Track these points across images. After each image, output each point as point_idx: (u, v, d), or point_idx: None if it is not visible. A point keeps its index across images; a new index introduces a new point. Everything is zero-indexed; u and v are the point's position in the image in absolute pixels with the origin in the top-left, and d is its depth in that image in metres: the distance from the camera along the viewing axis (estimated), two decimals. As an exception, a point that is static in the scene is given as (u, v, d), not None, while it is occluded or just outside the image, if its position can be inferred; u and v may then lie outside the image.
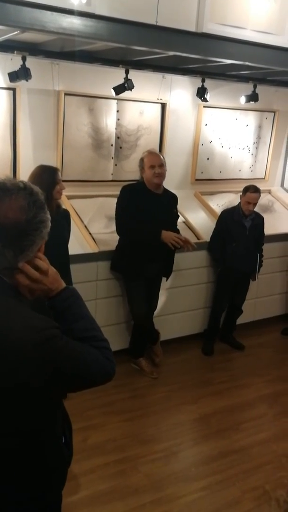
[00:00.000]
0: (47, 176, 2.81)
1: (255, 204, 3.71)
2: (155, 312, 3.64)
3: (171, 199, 3.38)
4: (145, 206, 3.18)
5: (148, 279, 3.38)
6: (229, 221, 3.75)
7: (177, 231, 3.36)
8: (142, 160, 3.24)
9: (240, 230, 3.74)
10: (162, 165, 3.20)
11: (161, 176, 3.21)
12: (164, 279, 3.53)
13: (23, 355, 1.02)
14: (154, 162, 3.17)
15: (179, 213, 4.04)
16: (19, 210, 1.06)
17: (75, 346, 1.12)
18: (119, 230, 3.28)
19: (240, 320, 4.15)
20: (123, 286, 3.52)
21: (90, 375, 1.15)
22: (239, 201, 3.79)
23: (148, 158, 3.20)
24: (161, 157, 3.26)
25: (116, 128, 3.88)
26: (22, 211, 1.07)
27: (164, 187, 3.35)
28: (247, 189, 3.69)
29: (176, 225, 3.48)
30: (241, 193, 3.77)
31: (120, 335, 3.62)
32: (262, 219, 3.89)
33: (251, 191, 3.66)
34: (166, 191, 3.35)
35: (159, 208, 3.22)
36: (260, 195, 3.71)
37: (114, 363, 1.18)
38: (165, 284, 3.68)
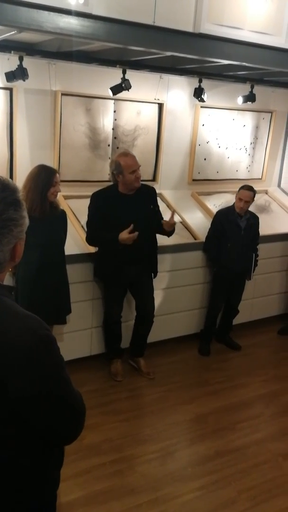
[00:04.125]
0: (43, 177, 2.82)
1: (247, 202, 3.69)
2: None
3: (146, 196, 3.23)
4: (119, 210, 3.11)
5: (130, 282, 3.33)
6: (224, 221, 3.76)
7: (162, 225, 3.24)
8: (119, 164, 3.07)
9: (235, 230, 3.74)
10: (139, 166, 3.11)
11: (140, 177, 3.14)
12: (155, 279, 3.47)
13: (17, 356, 1.01)
14: (135, 166, 3.06)
15: (177, 214, 4.05)
16: None
17: (65, 371, 1.12)
18: (87, 241, 3.25)
19: (237, 320, 4.16)
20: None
21: (73, 406, 1.14)
22: (234, 201, 3.80)
23: (127, 163, 3.06)
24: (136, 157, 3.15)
25: (113, 128, 3.88)
26: None
27: None
28: (241, 188, 3.71)
29: (159, 219, 3.27)
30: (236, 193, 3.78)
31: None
32: (257, 219, 3.90)
33: (245, 188, 3.70)
34: (138, 188, 3.18)
35: (134, 209, 3.12)
36: (254, 195, 3.71)
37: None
38: (161, 284, 3.68)
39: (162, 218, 3.32)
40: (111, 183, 3.29)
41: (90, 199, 3.22)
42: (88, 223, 3.23)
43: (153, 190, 3.35)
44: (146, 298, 3.43)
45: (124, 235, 3.03)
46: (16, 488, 1.14)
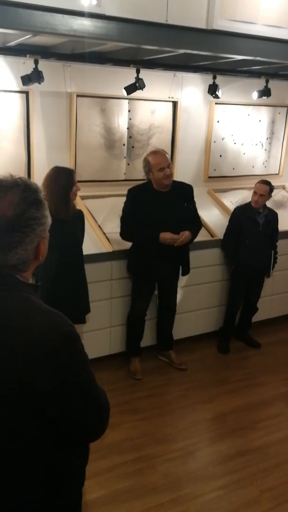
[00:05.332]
0: (64, 178, 2.82)
1: (262, 196, 3.63)
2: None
3: (181, 194, 3.25)
4: (152, 207, 3.14)
5: (159, 279, 3.39)
6: (242, 217, 3.72)
7: (199, 224, 3.33)
8: (148, 162, 3.12)
9: (253, 226, 3.70)
10: (169, 164, 3.14)
11: (171, 175, 3.16)
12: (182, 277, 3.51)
13: (41, 351, 1.03)
14: (163, 163, 3.09)
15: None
16: (8, 206, 1.06)
17: (89, 367, 1.12)
18: (121, 236, 3.29)
19: (256, 318, 4.12)
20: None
21: (97, 401, 1.14)
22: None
23: (156, 161, 3.10)
24: (167, 155, 3.17)
25: (128, 128, 3.88)
26: (10, 207, 1.06)
27: (172, 182, 3.25)
28: (258, 182, 3.69)
29: (196, 217, 3.34)
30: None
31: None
32: (275, 215, 3.84)
33: (260, 182, 3.66)
34: (174, 186, 3.21)
35: (167, 207, 3.15)
36: (270, 190, 3.64)
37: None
38: (180, 282, 3.67)
39: (199, 217, 3.38)
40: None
41: (126, 195, 3.27)
42: (122, 218, 3.27)
43: (189, 187, 3.34)
44: (171, 291, 3.50)
45: (168, 235, 3.10)
46: (43, 485, 1.15)
